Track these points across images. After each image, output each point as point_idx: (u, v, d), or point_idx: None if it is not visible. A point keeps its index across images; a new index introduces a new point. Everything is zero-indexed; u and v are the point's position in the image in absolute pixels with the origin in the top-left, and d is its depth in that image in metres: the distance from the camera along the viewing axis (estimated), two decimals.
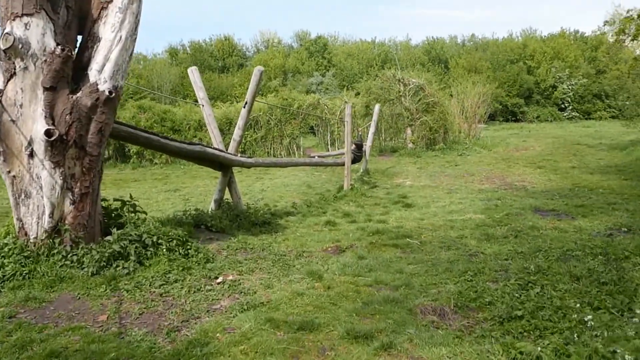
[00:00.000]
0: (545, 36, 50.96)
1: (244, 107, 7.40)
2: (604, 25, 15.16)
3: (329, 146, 20.90)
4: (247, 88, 7.32)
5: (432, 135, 18.88)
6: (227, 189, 7.76)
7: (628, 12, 14.48)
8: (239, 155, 7.43)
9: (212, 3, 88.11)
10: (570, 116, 41.80)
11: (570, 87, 42.33)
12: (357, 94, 21.17)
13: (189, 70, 7.80)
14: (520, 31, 55.77)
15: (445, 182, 12.25)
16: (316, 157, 14.38)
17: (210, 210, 7.48)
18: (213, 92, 44.37)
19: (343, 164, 10.84)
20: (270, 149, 20.26)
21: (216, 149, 6.96)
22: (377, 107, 14.35)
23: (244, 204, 8.08)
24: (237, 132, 7.54)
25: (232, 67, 53.13)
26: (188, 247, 5.08)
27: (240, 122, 7.50)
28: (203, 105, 7.67)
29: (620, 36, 14.74)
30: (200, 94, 7.66)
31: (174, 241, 4.99)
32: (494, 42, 52.35)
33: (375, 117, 14.37)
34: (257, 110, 20.56)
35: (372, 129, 14.32)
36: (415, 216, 8.27)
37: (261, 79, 7.31)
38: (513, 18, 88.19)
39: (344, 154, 12.01)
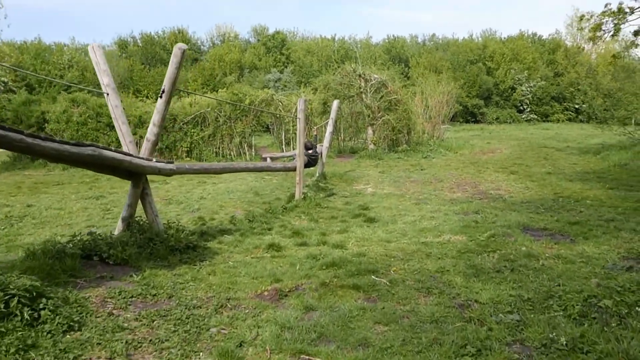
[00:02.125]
0: (504, 38, 50.81)
1: (160, 96, 5.64)
2: (580, 20, 14.08)
3: (284, 146, 19.22)
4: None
5: (395, 136, 17.49)
6: (146, 202, 5.99)
7: (606, 6, 13.44)
8: (154, 159, 5.67)
9: None
10: (528, 118, 41.60)
11: (528, 89, 42.12)
12: (315, 90, 19.56)
13: (89, 48, 5.98)
14: (480, 32, 55.56)
15: (411, 190, 10.79)
16: (267, 159, 12.69)
17: (111, 233, 5.69)
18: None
19: (294, 169, 9.18)
20: (219, 148, 18.39)
21: (119, 151, 5.19)
22: (335, 103, 12.75)
23: (163, 221, 6.32)
24: (151, 130, 5.77)
25: (186, 62, 50.57)
26: (40, 305, 3.30)
27: (155, 117, 5.73)
28: (108, 94, 5.85)
29: (597, 33, 13.68)
30: (105, 79, 5.84)
31: (16, 298, 3.20)
32: (454, 42, 51.91)
33: (333, 114, 12.77)
34: (205, 106, 18.68)
35: (329, 128, 12.71)
36: (380, 236, 6.70)
37: (183, 59, 5.58)
38: (473, 19, 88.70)
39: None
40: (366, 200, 9.66)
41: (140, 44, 51.75)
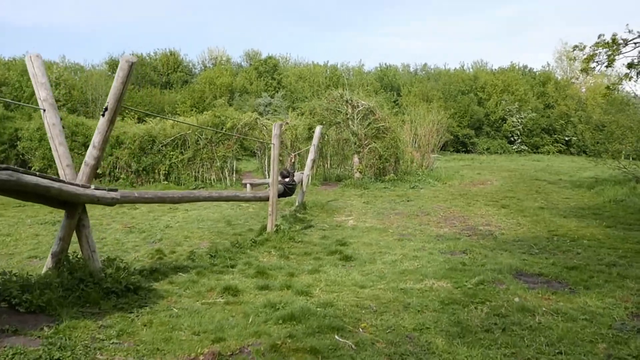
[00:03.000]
0: (495, 69, 50.97)
1: (102, 114, 4.88)
2: (574, 50, 13.61)
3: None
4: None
5: (382, 165, 16.80)
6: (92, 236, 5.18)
7: (599, 36, 12.98)
8: (92, 186, 4.89)
9: (159, 17, 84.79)
10: (519, 149, 41.35)
11: (519, 120, 41.97)
12: (301, 115, 18.93)
13: (26, 59, 5.24)
14: (471, 63, 55.78)
15: (395, 224, 10.02)
16: (247, 185, 11.90)
17: (28, 273, 4.85)
18: (153, 108, 41.31)
19: (266, 199, 8.40)
20: (199, 172, 17.59)
21: (46, 177, 4.40)
22: (318, 129, 12.09)
23: (110, 255, 5.50)
24: (91, 153, 5.00)
25: (176, 84, 50.23)
26: None
27: (96, 138, 4.97)
28: (45, 110, 5.09)
29: (590, 64, 13.19)
30: (42, 92, 5.09)
31: None
32: (446, 73, 51.98)
33: (315, 140, 12.09)
34: (185, 128, 17.95)
35: (310, 155, 12.02)
36: (354, 279, 5.90)
37: (131, 73, 4.86)
38: (464, 50, 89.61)
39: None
40: (345, 235, 8.87)
41: None
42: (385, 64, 54.92)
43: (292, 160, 10.29)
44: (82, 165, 5.07)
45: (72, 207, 4.94)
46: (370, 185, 15.92)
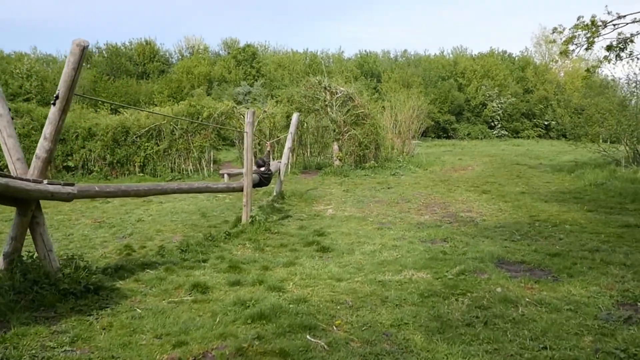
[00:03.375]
0: (475, 55, 50.95)
1: (53, 103, 4.51)
2: (553, 32, 13.45)
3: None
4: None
5: (362, 152, 16.55)
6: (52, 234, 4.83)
7: (578, 18, 12.83)
8: (45, 181, 4.54)
9: (134, 5, 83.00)
10: (499, 134, 41.48)
11: (499, 105, 42.07)
12: (279, 102, 18.54)
13: None
14: (451, 49, 55.64)
15: (375, 212, 9.80)
16: (225, 175, 11.55)
17: None
18: (129, 99, 40.43)
19: (240, 190, 8.08)
20: (175, 163, 17.16)
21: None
22: (295, 116, 11.77)
23: (76, 252, 5.16)
24: (42, 145, 4.63)
25: (153, 74, 49.22)
26: None
27: (47, 129, 4.60)
28: None
29: (569, 46, 13.04)
30: None
31: None
32: (426, 59, 51.84)
33: (292, 128, 11.77)
34: (160, 119, 17.47)
35: (288, 143, 11.70)
36: (331, 272, 5.65)
37: (84, 58, 4.49)
38: (444, 37, 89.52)
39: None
40: (324, 225, 8.62)
41: (106, 55, 50.10)
42: (366, 50, 54.46)
43: (268, 149, 9.96)
44: (34, 158, 4.70)
45: (24, 203, 4.59)
46: (351, 172, 15.68)
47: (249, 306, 4.39)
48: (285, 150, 11.78)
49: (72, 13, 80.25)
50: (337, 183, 14.14)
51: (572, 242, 6.89)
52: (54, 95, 4.49)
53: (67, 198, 4.76)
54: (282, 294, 4.79)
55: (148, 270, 5.79)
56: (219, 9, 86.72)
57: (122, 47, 51.24)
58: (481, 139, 40.56)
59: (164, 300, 4.80)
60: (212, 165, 17.67)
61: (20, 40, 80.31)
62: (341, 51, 56.92)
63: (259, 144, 18.11)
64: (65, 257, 5.08)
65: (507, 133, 41.74)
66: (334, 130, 16.47)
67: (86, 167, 17.11)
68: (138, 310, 4.47)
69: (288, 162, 11.93)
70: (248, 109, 20.78)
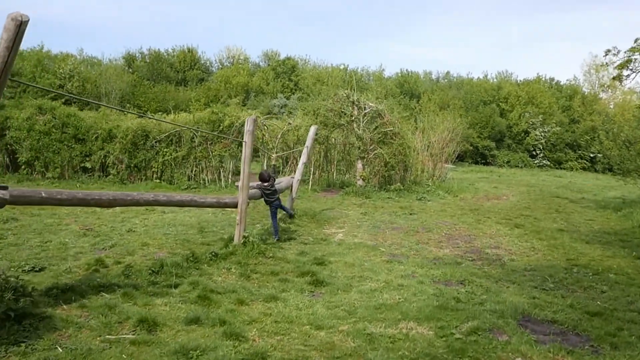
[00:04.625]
0: (520, 80, 49.21)
1: None
2: (606, 54, 12.20)
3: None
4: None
5: (387, 172, 15.48)
6: None
7: (635, 41, 11.56)
8: None
9: (179, 13, 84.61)
10: (541, 164, 39.55)
11: (543, 134, 40.18)
12: (305, 114, 17.74)
13: None
14: (495, 73, 54.06)
15: (389, 240, 8.74)
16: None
17: None
18: (167, 104, 40.55)
19: (234, 205, 7.19)
20: (192, 171, 16.51)
21: None
22: (312, 129, 10.91)
23: (31, 267, 4.35)
24: None
25: (192, 81, 49.53)
26: None
27: None
28: None
29: (623, 71, 11.76)
30: None
31: None
32: (469, 82, 50.41)
33: (308, 142, 10.89)
34: (182, 124, 16.89)
35: (302, 158, 10.81)
36: (314, 315, 4.66)
37: (20, 36, 3.70)
38: (489, 60, 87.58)
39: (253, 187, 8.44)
40: (327, 252, 7.63)
41: (148, 60, 50.79)
42: (407, 70, 53.42)
43: (273, 163, 9.07)
44: None
45: None
46: (373, 194, 14.62)
47: (190, 358, 3.46)
48: (300, 166, 10.89)
49: (121, 17, 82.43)
50: (356, 204, 13.12)
51: (618, 298, 5.68)
52: None
53: None
54: (239, 343, 3.84)
55: (103, 294, 4.95)
56: (262, 21, 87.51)
57: (164, 53, 51.90)
58: (521, 167, 38.74)
59: (99, 337, 3.93)
60: (231, 176, 16.94)
61: (68, 42, 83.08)
62: (382, 69, 56.08)
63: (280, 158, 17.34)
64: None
65: (549, 163, 39.77)
66: (359, 148, 15.48)
67: (105, 169, 16.69)
68: (59, 349, 3.61)
69: (301, 179, 11.00)
70: (279, 119, 20.17)
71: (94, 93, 39.64)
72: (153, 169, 16.50)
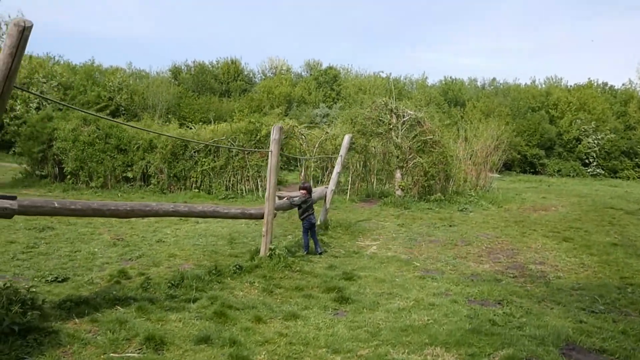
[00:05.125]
0: (571, 86, 47.27)
1: None
2: None
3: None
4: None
5: (427, 182, 14.96)
6: None
7: None
8: None
9: (223, 26, 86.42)
10: (594, 172, 37.73)
11: (596, 141, 38.38)
12: (342, 123, 17.47)
13: None
14: (544, 78, 52.13)
15: (425, 254, 8.29)
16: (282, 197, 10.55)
17: None
18: (209, 115, 41.22)
19: (259, 217, 6.96)
20: (229, 181, 16.51)
21: None
22: (346, 138, 10.59)
23: (54, 277, 4.26)
24: None
25: (235, 92, 50.25)
26: None
27: None
28: None
29: None
30: None
31: None
32: (516, 88, 48.88)
33: (342, 150, 10.59)
34: (220, 134, 16.98)
35: (337, 167, 10.51)
36: (333, 336, 4.34)
37: (23, 43, 3.57)
38: (537, 65, 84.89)
39: (291, 197, 8.22)
40: (358, 266, 7.29)
41: (193, 72, 51.95)
42: (451, 77, 52.38)
43: (304, 175, 8.81)
44: None
45: None
46: (412, 205, 14.14)
47: None
48: (334, 175, 10.60)
49: (169, 31, 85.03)
50: (394, 215, 12.69)
51: None
52: None
53: (4, 214, 3.87)
54: None
55: (118, 308, 4.80)
56: (305, 32, 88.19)
57: (209, 65, 52.97)
58: (573, 176, 37.07)
59: (103, 354, 3.75)
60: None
61: (118, 56, 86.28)
62: (425, 77, 55.18)
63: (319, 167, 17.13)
64: (0, 287, 4.17)
65: (603, 172, 37.87)
66: (397, 157, 15.04)
67: (146, 179, 16.94)
68: None
69: (335, 188, 10.70)
70: (318, 128, 19.99)
71: (142, 105, 40.72)
72: (192, 179, 16.62)
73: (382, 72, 56.41)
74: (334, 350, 4.00)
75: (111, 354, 3.75)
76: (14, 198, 3.95)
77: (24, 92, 31.62)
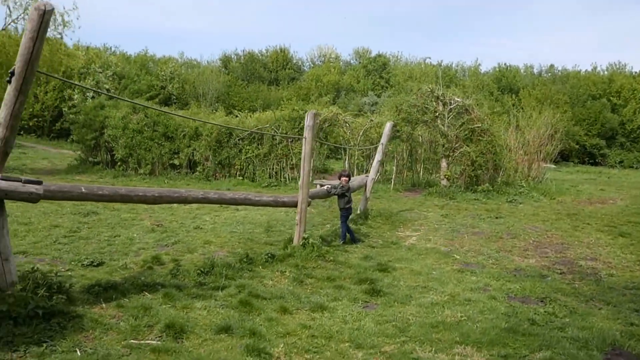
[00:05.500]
0: (636, 72, 44.50)
1: (8, 81, 3.66)
2: None
3: (355, 171, 16.86)
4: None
5: (475, 172, 14.41)
6: None
7: None
8: None
9: (273, 15, 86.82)
10: None
11: None
12: (388, 111, 17.07)
13: None
14: (606, 65, 49.40)
15: (466, 246, 7.94)
16: (317, 185, 10.45)
17: None
18: (259, 104, 41.55)
19: (292, 205, 6.83)
20: (272, 169, 16.52)
21: None
22: (388, 125, 10.30)
23: (44, 266, 4.32)
24: None
25: (284, 81, 50.39)
26: None
27: (2, 113, 3.74)
28: None
29: None
30: None
31: None
32: (575, 75, 46.46)
33: (384, 139, 10.31)
34: (264, 122, 17.01)
35: (377, 156, 10.25)
36: (358, 330, 4.17)
37: (44, 27, 3.53)
38: (598, 51, 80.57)
39: (333, 187, 8.06)
40: (395, 257, 7.05)
41: (242, 61, 52.48)
42: (505, 64, 50.42)
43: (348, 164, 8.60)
44: None
45: None
46: (458, 195, 13.67)
47: None
48: (374, 164, 10.34)
49: (220, 22, 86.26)
50: (438, 206, 12.30)
51: None
52: (9, 72, 3.63)
53: (29, 198, 3.90)
54: None
55: (146, 294, 4.80)
56: (355, 19, 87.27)
57: (258, 54, 53.36)
58: (636, 168, 35.06)
59: (124, 341, 3.73)
60: (312, 174, 16.73)
61: (171, 46, 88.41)
62: (477, 64, 53.44)
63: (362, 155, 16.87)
64: (29, 270, 4.22)
65: None
66: (443, 146, 14.56)
67: (192, 166, 17.23)
68: (77, 352, 3.44)
69: (376, 177, 10.45)
70: (368, 117, 19.63)
71: (192, 93, 41.48)
72: (236, 167, 16.75)
73: (429, 58, 55.02)
74: (357, 345, 3.83)
75: (131, 341, 3.73)
76: (39, 183, 3.97)
77: (81, 82, 33.01)
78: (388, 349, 3.78)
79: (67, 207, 9.62)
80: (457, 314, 4.63)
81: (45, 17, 3.54)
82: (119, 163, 17.40)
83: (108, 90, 34.11)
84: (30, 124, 31.64)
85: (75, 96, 30.47)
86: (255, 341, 3.73)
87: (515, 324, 4.39)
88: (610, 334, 4.18)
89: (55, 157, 22.61)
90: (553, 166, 23.57)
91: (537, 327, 4.36)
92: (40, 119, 32.34)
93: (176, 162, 17.22)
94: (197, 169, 16.91)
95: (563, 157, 34.87)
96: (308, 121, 6.83)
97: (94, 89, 29.34)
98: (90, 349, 3.53)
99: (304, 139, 6.80)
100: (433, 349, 3.78)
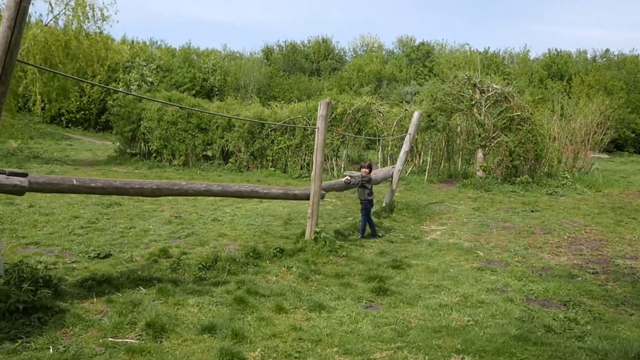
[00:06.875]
0: None
1: None
2: None
3: (380, 164, 16.47)
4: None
5: (512, 163, 13.70)
6: None
7: None
8: None
9: (316, 4, 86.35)
10: None
11: None
12: (421, 100, 16.50)
13: None
14: None
15: (493, 242, 7.47)
16: (347, 177, 10.18)
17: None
18: (299, 94, 41.43)
19: (304, 197, 6.56)
20: (304, 160, 16.31)
21: None
22: (416, 115, 9.85)
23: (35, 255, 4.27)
24: None
25: (325, 71, 50.07)
26: None
27: None
28: None
29: None
30: None
31: None
32: (633, 59, 43.85)
33: (411, 128, 9.87)
34: (296, 112, 16.79)
35: (404, 146, 9.83)
36: (353, 334, 3.88)
37: (22, 14, 3.42)
38: None
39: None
40: (413, 252, 6.70)
41: (284, 52, 52.46)
42: (556, 49, 48.17)
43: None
44: None
45: None
46: (495, 187, 13.05)
47: None
48: (401, 154, 9.94)
49: (257, 15, 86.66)
50: (471, 198, 11.76)
51: None
52: None
53: (14, 191, 3.82)
54: None
55: (140, 288, 4.68)
56: (399, 7, 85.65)
57: (300, 45, 53.20)
58: None
59: (102, 338, 3.60)
60: (344, 165, 16.45)
61: (215, 39, 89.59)
62: (526, 50, 51.31)
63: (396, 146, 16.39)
64: (17, 262, 4.16)
65: None
66: (479, 135, 13.90)
67: (225, 157, 17.26)
68: (50, 350, 3.33)
69: (403, 168, 10.05)
70: (409, 108, 19.11)
71: (234, 85, 41.80)
72: (268, 157, 16.66)
73: (467, 44, 53.24)
74: (344, 351, 3.54)
75: (109, 339, 3.59)
76: (25, 175, 3.88)
77: (125, 76, 33.84)
78: (377, 356, 3.48)
79: (93, 198, 9.72)
80: (465, 318, 4.27)
81: (22, 4, 3.41)
82: (154, 154, 17.65)
83: (152, 83, 34.89)
84: (78, 116, 32.67)
85: (120, 89, 31.25)
86: (234, 344, 3.52)
87: (527, 330, 3.99)
88: (635, 346, 3.71)
89: (99, 149, 23.23)
90: (607, 156, 22.31)
91: (553, 335, 3.95)
92: (86, 112, 33.36)
93: (209, 153, 17.29)
94: (230, 160, 16.92)
95: (617, 147, 33.04)
96: (321, 110, 6.53)
97: (105, 86, 29.97)
98: (64, 346, 3.41)
99: (316, 129, 6.52)
100: (425, 357, 3.45)
